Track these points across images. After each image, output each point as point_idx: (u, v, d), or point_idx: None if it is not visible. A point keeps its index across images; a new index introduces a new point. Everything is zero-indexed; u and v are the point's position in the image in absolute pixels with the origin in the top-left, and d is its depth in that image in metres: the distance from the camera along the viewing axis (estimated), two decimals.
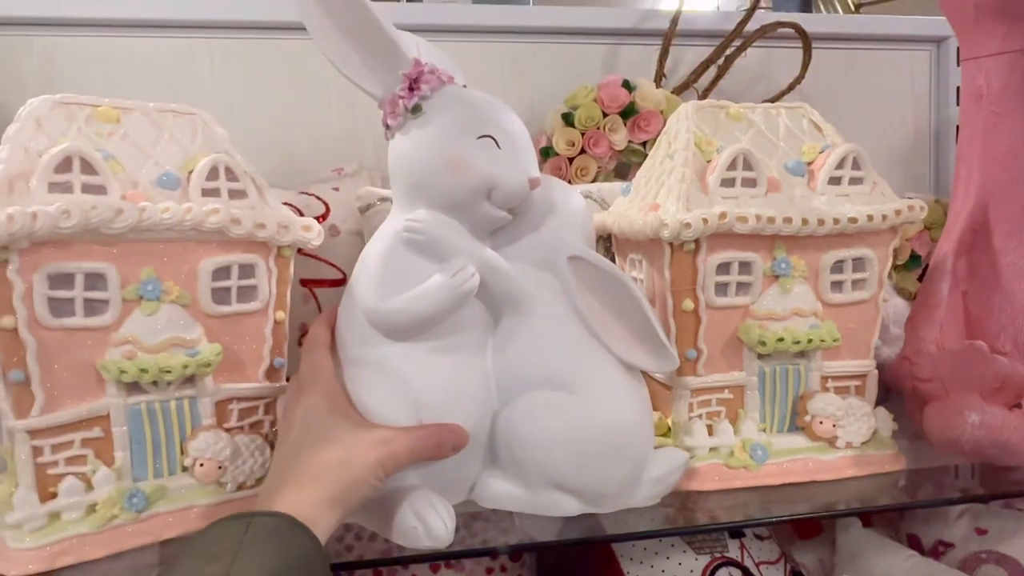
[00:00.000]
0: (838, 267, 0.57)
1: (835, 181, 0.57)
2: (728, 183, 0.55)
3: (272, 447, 0.51)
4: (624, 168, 0.85)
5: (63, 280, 0.43)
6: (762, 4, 0.87)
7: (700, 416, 0.56)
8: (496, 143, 0.49)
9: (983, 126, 0.64)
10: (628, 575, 0.75)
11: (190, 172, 0.49)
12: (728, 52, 0.86)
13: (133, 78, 0.82)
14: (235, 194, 0.49)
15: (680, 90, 0.86)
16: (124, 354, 0.45)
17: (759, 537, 0.79)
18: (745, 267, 0.55)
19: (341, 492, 0.40)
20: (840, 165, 0.56)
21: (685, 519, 0.52)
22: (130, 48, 0.82)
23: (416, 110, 0.49)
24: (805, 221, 0.53)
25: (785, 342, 0.54)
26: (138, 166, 0.48)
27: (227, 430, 0.50)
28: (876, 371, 0.59)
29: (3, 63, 0.80)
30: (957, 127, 0.96)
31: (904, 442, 0.59)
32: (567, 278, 0.51)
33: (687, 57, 0.90)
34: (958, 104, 0.97)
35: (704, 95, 0.86)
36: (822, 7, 1.26)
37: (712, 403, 0.57)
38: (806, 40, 0.87)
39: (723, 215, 0.52)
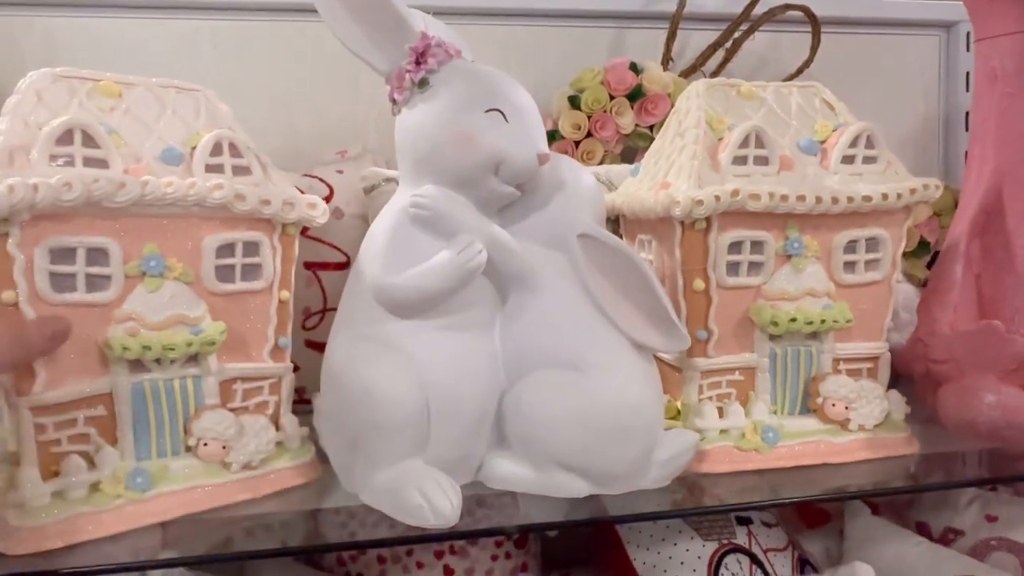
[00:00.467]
0: (851, 247, 0.56)
1: (848, 160, 0.56)
2: (740, 161, 0.54)
3: (277, 427, 0.51)
4: (630, 152, 0.84)
5: (65, 255, 0.42)
6: None
7: (710, 398, 0.55)
8: (504, 117, 0.48)
9: (997, 107, 0.63)
10: (635, 561, 0.74)
11: (193, 148, 0.48)
12: (736, 35, 0.85)
13: (134, 60, 0.81)
14: (239, 171, 0.48)
15: (688, 73, 0.85)
16: (127, 331, 0.44)
17: (767, 524, 0.79)
18: (757, 246, 0.54)
19: None
20: (854, 143, 0.55)
21: (695, 502, 0.52)
22: (131, 29, 0.81)
23: (423, 84, 0.48)
24: (819, 199, 0.52)
25: (797, 323, 0.53)
26: (141, 141, 0.47)
27: (231, 410, 0.49)
28: (888, 353, 0.58)
29: (4, 43, 0.79)
30: (967, 113, 0.96)
31: (915, 427, 0.58)
32: (576, 256, 0.50)
33: (694, 40, 0.89)
34: (968, 90, 0.97)
35: (712, 78, 0.85)
36: None
37: (722, 385, 0.56)
38: (815, 24, 0.86)
39: (735, 192, 0.51)
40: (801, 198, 0.52)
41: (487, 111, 0.47)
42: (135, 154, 0.46)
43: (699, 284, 0.53)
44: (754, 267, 0.55)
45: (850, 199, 0.53)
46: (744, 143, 0.54)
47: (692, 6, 0.85)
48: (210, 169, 0.47)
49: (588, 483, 0.49)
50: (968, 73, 0.97)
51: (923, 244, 0.88)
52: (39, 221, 0.41)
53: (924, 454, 0.57)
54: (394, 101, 0.50)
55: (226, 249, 0.48)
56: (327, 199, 0.75)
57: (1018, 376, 0.53)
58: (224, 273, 0.48)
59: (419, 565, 0.80)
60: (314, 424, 0.55)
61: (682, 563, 0.72)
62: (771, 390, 0.56)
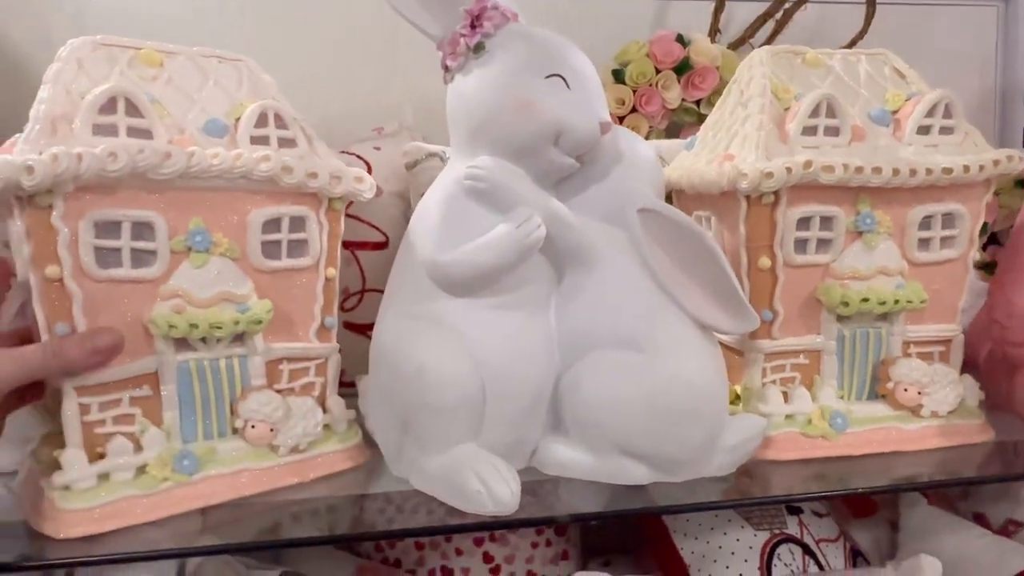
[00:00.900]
0: (926, 223, 0.53)
1: (924, 130, 0.52)
2: (810, 131, 0.51)
3: (324, 409, 0.49)
4: (675, 128, 0.81)
5: (109, 228, 0.41)
6: None
7: (774, 382, 0.53)
8: (565, 83, 0.45)
9: None
10: (682, 550, 0.72)
11: (237, 119, 0.46)
12: (787, 6, 0.82)
13: (163, 36, 0.79)
14: (284, 143, 0.47)
15: (736, 45, 0.82)
16: (173, 308, 0.43)
17: (817, 514, 0.76)
18: (827, 222, 0.51)
19: None
20: (931, 113, 0.52)
21: (761, 490, 0.49)
22: (160, 5, 0.79)
23: (479, 49, 0.46)
24: (896, 171, 0.49)
25: (869, 303, 0.51)
26: (183, 112, 0.45)
27: (277, 391, 0.47)
28: (962, 336, 0.55)
29: (33, 19, 0.78)
30: None
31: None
32: (636, 231, 0.48)
33: (742, 12, 0.85)
34: None
35: (775, 46, 0.82)
36: None
37: (786, 368, 0.53)
38: None
39: (808, 164, 0.48)
40: (877, 170, 0.49)
41: (547, 76, 0.45)
42: (178, 125, 0.44)
43: (764, 262, 0.51)
44: (823, 244, 0.52)
45: (928, 171, 0.50)
46: (815, 112, 0.50)
47: None
48: (255, 141, 0.45)
49: (650, 469, 0.47)
50: None
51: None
52: (83, 193, 0.39)
53: (1000, 442, 0.54)
54: (447, 68, 0.48)
55: (272, 224, 0.46)
56: None
57: None
58: (270, 249, 0.47)
59: (458, 552, 0.79)
60: (359, 406, 0.53)
61: (733, 553, 0.69)
62: (838, 374, 0.53)
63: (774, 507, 0.73)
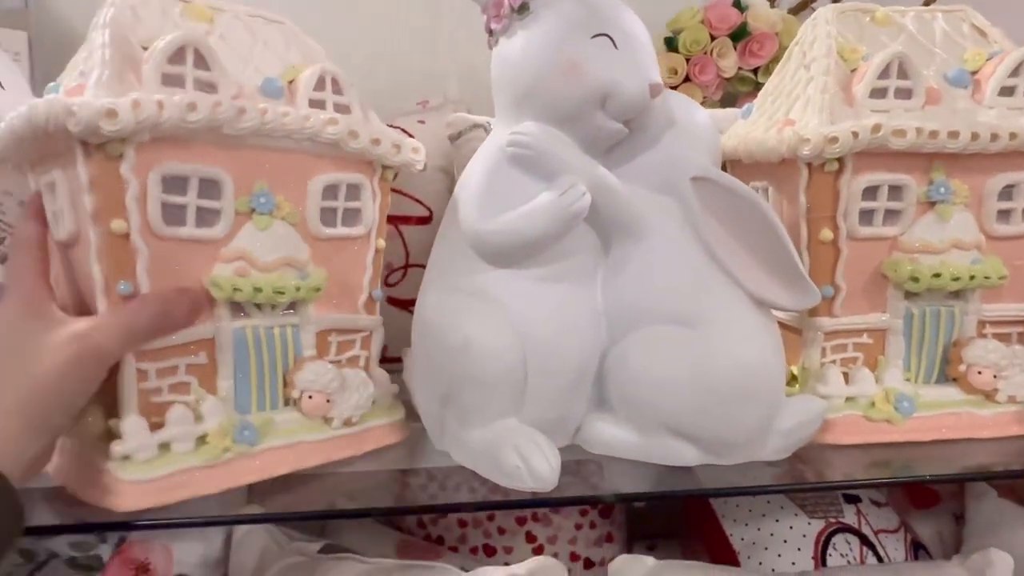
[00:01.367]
0: (1007, 193, 0.48)
1: (1007, 92, 0.48)
2: (879, 94, 0.47)
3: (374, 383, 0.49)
4: (731, 99, 0.77)
5: (177, 184, 0.39)
6: None
7: (834, 362, 0.50)
8: (613, 43, 0.43)
9: None
10: (731, 536, 0.69)
11: (290, 81, 0.44)
12: None
13: None
14: (340, 108, 0.45)
15: (797, 10, 0.77)
16: (236, 271, 0.41)
17: (876, 503, 0.72)
18: (896, 191, 0.48)
19: (23, 403, 0.34)
20: (1015, 72, 0.48)
21: (817, 476, 0.47)
22: None
23: (523, 9, 0.44)
24: (975, 136, 0.45)
25: (942, 278, 0.47)
26: (239, 70, 0.43)
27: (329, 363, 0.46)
28: None
29: None
30: None
31: None
32: (689, 201, 0.45)
33: None
34: None
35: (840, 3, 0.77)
36: None
37: (848, 348, 0.50)
38: None
39: (876, 128, 0.45)
40: (953, 134, 0.45)
41: (594, 36, 0.43)
42: (236, 82, 0.42)
43: (826, 234, 0.48)
44: (891, 215, 0.48)
45: (1013, 135, 0.46)
46: (884, 73, 0.47)
47: None
48: (313, 104, 0.44)
49: (699, 451, 0.45)
50: None
51: None
52: (157, 144, 0.38)
53: None
54: (491, 32, 0.46)
55: (331, 190, 0.45)
56: None
57: None
58: (327, 216, 0.45)
59: (501, 531, 0.78)
60: (405, 380, 0.53)
61: (785, 541, 0.67)
62: (905, 355, 0.50)
63: (830, 494, 0.70)
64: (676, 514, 0.79)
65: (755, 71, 0.75)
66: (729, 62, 0.74)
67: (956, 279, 0.47)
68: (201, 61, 0.39)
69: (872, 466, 0.48)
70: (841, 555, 0.66)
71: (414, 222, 0.71)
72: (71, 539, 0.63)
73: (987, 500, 0.69)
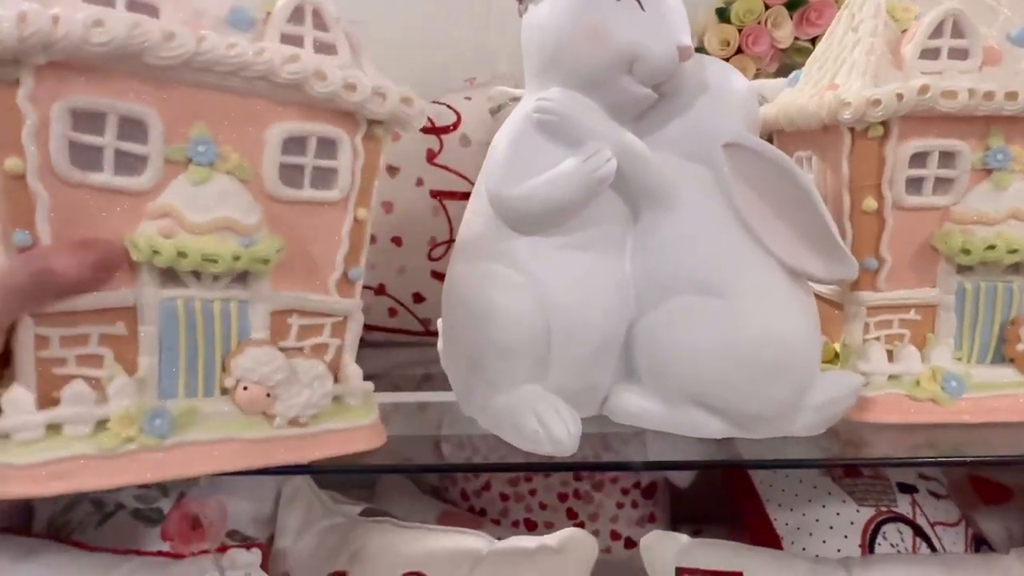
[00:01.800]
0: None
1: None
2: (930, 54, 0.45)
3: (336, 378, 0.41)
4: (786, 70, 0.74)
5: (92, 121, 0.33)
6: None
7: (878, 339, 0.47)
8: (640, 4, 0.42)
9: None
10: (775, 521, 0.68)
11: (269, 13, 0.37)
12: None
13: None
14: (323, 48, 0.38)
15: None
16: (160, 230, 0.34)
17: (935, 495, 0.69)
18: (947, 158, 0.45)
19: None
20: None
21: (855, 454, 0.45)
22: None
23: None
24: None
25: (997, 250, 0.44)
26: None
27: (282, 350, 0.39)
28: None
29: None
30: None
31: None
32: (721, 169, 0.44)
33: None
34: None
35: None
36: None
37: (893, 325, 0.48)
38: None
39: (924, 89, 0.42)
40: (1011, 95, 0.42)
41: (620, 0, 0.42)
42: (196, 8, 0.35)
43: (870, 204, 0.45)
44: (942, 184, 0.45)
45: None
46: (937, 32, 0.44)
47: None
48: (287, 40, 0.37)
49: (726, 423, 0.44)
50: None
51: None
52: (60, 71, 0.32)
53: None
54: None
55: (296, 144, 0.38)
56: (455, 126, 0.73)
57: None
58: (290, 175, 0.38)
59: (542, 506, 0.79)
60: (438, 347, 0.54)
61: (831, 528, 0.64)
62: (956, 333, 0.47)
63: (882, 483, 0.67)
64: (721, 498, 0.78)
65: (813, 40, 0.72)
66: (784, 32, 0.71)
67: (1013, 251, 0.44)
68: None
69: (918, 447, 0.46)
70: (891, 544, 0.63)
71: (458, 197, 0.72)
72: (137, 491, 0.67)
73: None
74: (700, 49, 0.73)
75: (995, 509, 0.73)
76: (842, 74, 0.47)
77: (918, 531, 0.64)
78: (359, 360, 0.43)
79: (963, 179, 0.45)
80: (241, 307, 0.37)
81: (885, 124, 0.44)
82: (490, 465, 0.47)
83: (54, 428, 0.33)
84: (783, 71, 0.75)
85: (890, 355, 0.47)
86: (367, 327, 0.44)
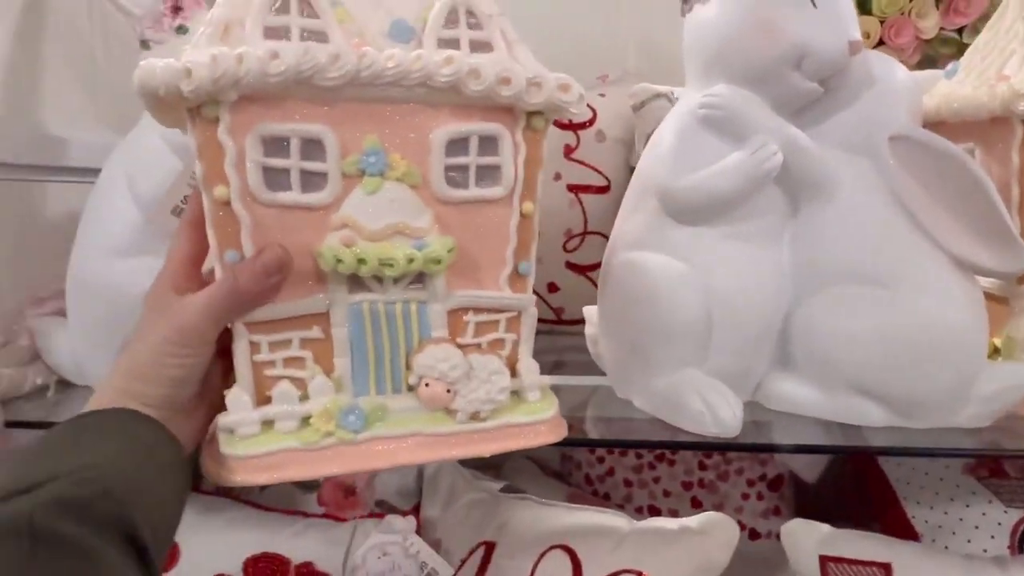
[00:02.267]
0: None
1: None
2: None
3: (513, 373, 0.41)
4: (930, 62, 0.73)
5: (278, 145, 0.36)
6: None
7: None
8: (812, 2, 0.43)
9: None
10: (914, 519, 0.67)
11: (426, 22, 0.38)
12: None
13: None
14: (478, 46, 0.38)
15: None
16: (342, 240, 0.37)
17: None
18: None
19: (129, 383, 0.35)
20: None
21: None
22: None
23: None
24: None
25: None
26: (368, 16, 0.38)
27: (461, 347, 0.40)
28: None
29: None
30: None
31: None
32: (886, 161, 0.45)
33: None
34: None
35: None
36: None
37: None
38: None
39: None
40: None
41: None
42: (359, 30, 0.37)
43: None
44: None
45: None
46: None
47: None
48: (444, 44, 0.38)
49: (888, 412, 0.44)
50: None
51: None
52: (249, 104, 0.35)
53: None
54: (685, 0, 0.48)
55: (458, 145, 0.38)
56: (590, 122, 0.75)
57: None
58: (455, 176, 0.39)
59: (666, 493, 0.80)
60: (586, 333, 0.56)
61: (976, 527, 0.63)
62: None
63: None
64: (849, 492, 0.77)
65: (959, 31, 0.70)
66: (930, 22, 0.70)
67: None
68: (308, 8, 0.36)
69: None
70: None
71: (593, 191, 0.75)
72: None
73: None
74: None
75: None
76: (1012, 65, 0.47)
77: None
78: None
79: None
80: (420, 307, 0.39)
81: None
82: (644, 443, 0.50)
83: (267, 424, 0.37)
84: (925, 63, 0.74)
85: None
86: None
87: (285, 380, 0.38)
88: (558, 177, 0.73)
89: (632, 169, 0.78)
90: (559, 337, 0.77)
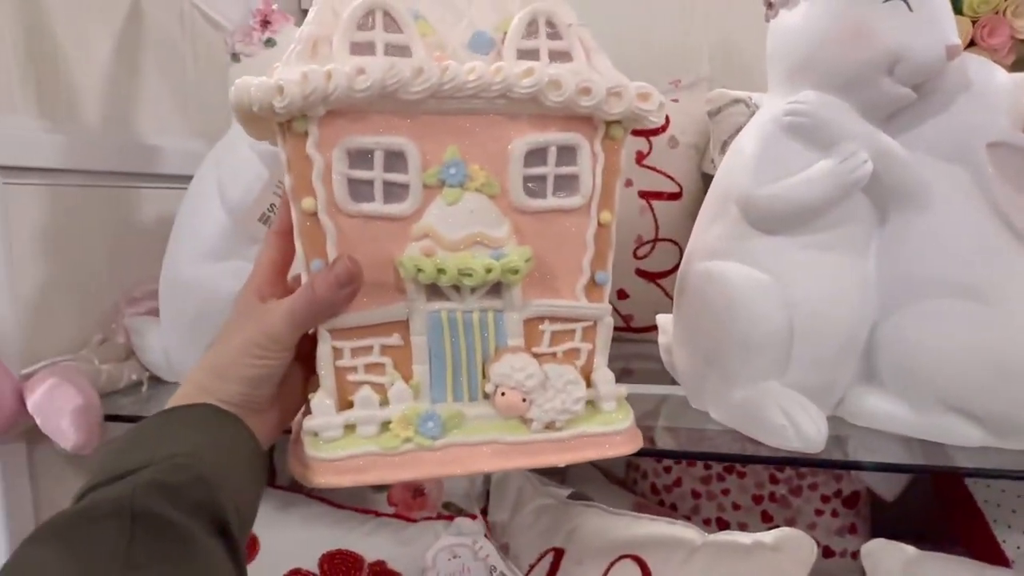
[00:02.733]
0: None
1: None
2: None
3: (588, 383, 0.41)
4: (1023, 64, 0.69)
5: (362, 158, 0.37)
6: None
7: None
8: (907, 5, 0.42)
9: None
10: (1004, 543, 0.64)
11: (506, 33, 0.38)
12: None
13: None
14: (558, 56, 0.38)
15: None
16: (422, 250, 0.38)
17: None
18: None
19: (211, 381, 0.37)
20: None
21: None
22: None
23: None
24: None
25: None
26: (450, 28, 0.39)
27: (537, 356, 0.40)
28: None
29: None
30: None
31: None
32: (983, 169, 0.43)
33: None
34: None
35: None
36: None
37: None
38: None
39: None
40: None
41: (886, 0, 0.42)
42: (440, 43, 0.38)
43: None
44: None
45: None
46: None
47: None
48: (523, 55, 0.38)
49: (984, 432, 0.42)
50: None
51: None
52: (336, 118, 0.36)
53: None
54: (770, 5, 0.47)
55: (537, 155, 0.38)
56: (663, 128, 0.75)
57: None
58: (534, 186, 0.39)
59: (736, 507, 0.79)
60: (659, 341, 0.56)
61: None
62: None
63: None
64: (929, 513, 0.74)
65: None
66: None
67: None
68: (391, 23, 0.36)
69: None
70: None
71: (665, 197, 0.74)
72: None
73: None
74: None
75: None
76: None
77: None
78: None
79: None
80: (497, 316, 0.39)
81: None
82: (721, 456, 0.48)
83: (350, 428, 0.38)
84: (1019, 65, 0.70)
85: None
86: None
87: (366, 385, 0.38)
88: (629, 183, 0.73)
89: (705, 175, 0.77)
90: (628, 344, 0.76)
